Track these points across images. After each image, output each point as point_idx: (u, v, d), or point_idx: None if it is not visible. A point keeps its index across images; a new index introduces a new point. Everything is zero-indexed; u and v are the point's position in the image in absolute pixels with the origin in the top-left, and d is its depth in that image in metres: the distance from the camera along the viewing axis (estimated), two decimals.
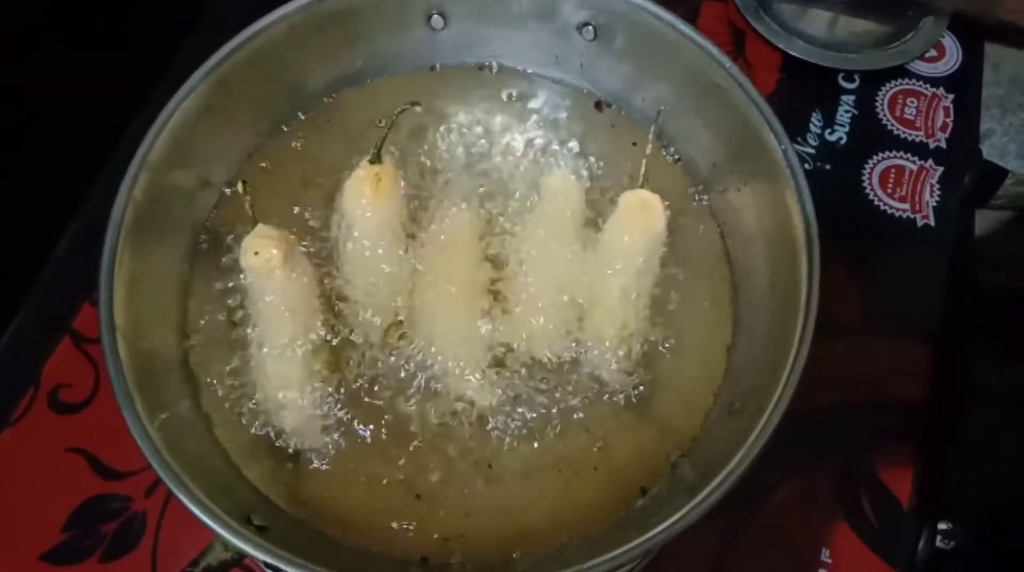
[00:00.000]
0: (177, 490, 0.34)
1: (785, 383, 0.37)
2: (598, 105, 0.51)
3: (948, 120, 0.64)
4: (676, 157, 0.50)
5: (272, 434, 0.42)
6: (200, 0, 0.67)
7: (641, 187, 0.44)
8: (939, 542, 0.52)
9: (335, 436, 0.43)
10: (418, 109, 0.45)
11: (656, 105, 0.47)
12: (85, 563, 0.48)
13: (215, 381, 0.43)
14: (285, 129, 0.50)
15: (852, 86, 0.65)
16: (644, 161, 0.43)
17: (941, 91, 0.65)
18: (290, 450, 0.42)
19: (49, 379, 0.53)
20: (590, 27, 0.49)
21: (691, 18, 0.46)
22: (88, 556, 0.48)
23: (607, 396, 0.44)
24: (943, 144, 0.63)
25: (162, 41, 0.64)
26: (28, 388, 0.52)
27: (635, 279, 0.45)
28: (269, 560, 0.32)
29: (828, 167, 0.61)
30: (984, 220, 0.70)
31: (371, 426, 0.43)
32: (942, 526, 0.52)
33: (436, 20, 0.50)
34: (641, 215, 0.44)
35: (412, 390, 0.44)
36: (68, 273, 0.58)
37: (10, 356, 0.55)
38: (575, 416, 0.44)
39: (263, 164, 0.49)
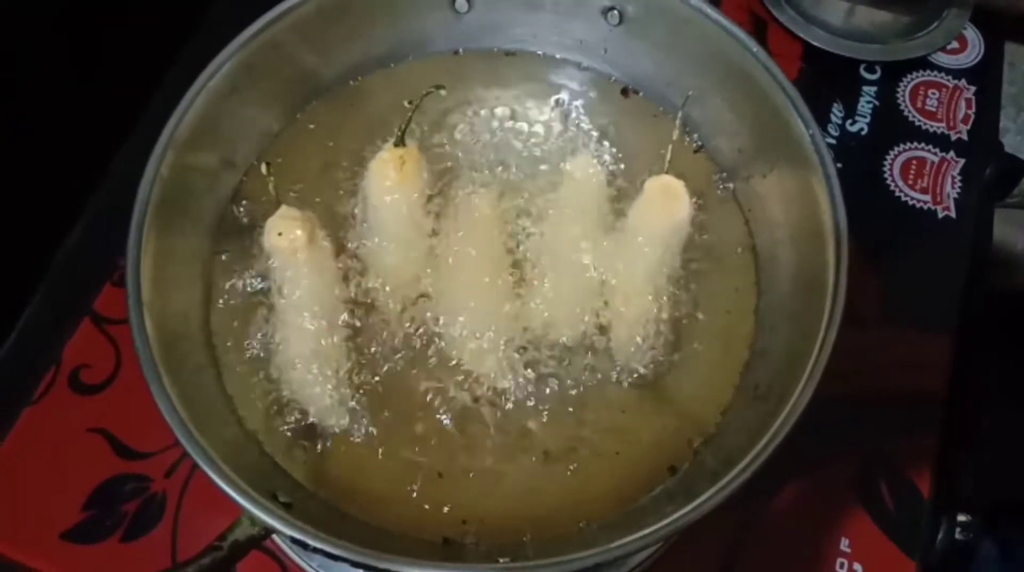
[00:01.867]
0: (205, 465, 0.34)
1: (812, 367, 0.37)
2: (624, 91, 0.51)
3: (970, 112, 0.64)
4: (700, 143, 0.49)
5: (294, 413, 0.42)
6: None
7: (666, 173, 0.44)
8: (958, 534, 0.52)
9: (356, 416, 0.43)
10: (443, 92, 0.45)
11: (681, 90, 0.47)
12: (105, 542, 0.48)
13: (238, 360, 0.43)
14: (309, 112, 0.50)
15: (874, 77, 0.65)
16: (670, 147, 0.43)
17: (963, 83, 0.65)
18: (312, 429, 0.42)
19: (70, 359, 0.53)
20: (615, 12, 0.48)
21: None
22: (108, 535, 0.48)
23: (629, 380, 0.44)
24: (964, 136, 0.63)
25: (177, 24, 0.64)
26: (49, 368, 0.53)
27: (659, 264, 0.44)
28: (298, 536, 0.33)
29: (849, 157, 0.61)
30: (1000, 221, 0.69)
31: (392, 406, 0.43)
32: (961, 518, 0.52)
33: (460, 3, 0.50)
34: (666, 201, 0.44)
35: (433, 372, 0.44)
36: (88, 254, 0.58)
37: (31, 336, 0.55)
38: (597, 399, 0.44)
39: (287, 147, 0.49)
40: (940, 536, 0.51)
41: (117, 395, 0.52)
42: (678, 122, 0.44)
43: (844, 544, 0.49)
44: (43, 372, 0.53)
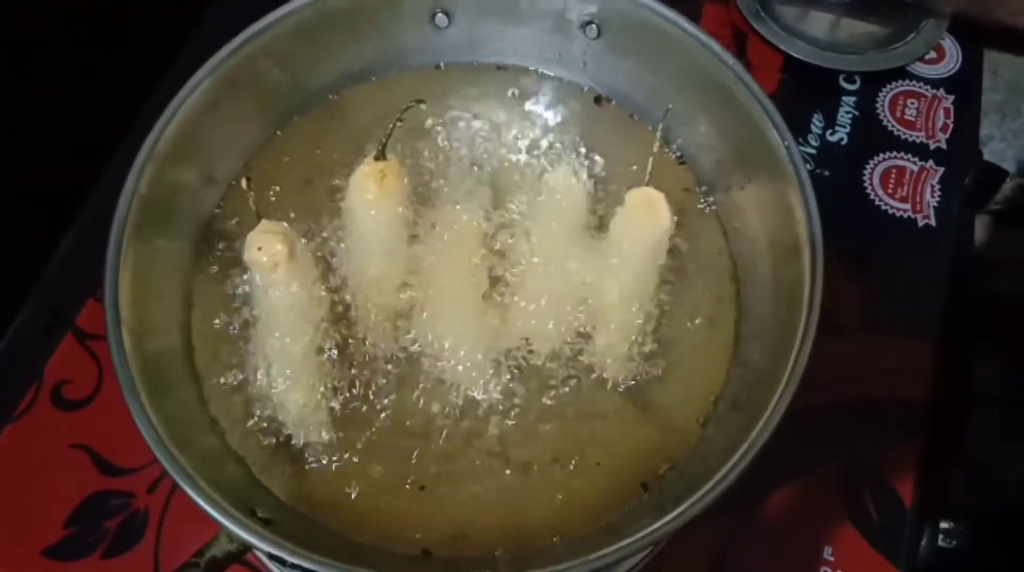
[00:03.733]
0: (183, 482, 0.34)
1: (788, 377, 0.37)
2: (598, 100, 0.51)
3: (948, 121, 0.64)
4: (679, 155, 0.50)
5: (274, 428, 0.42)
6: None
7: (646, 185, 0.44)
8: (941, 541, 0.52)
9: (337, 430, 0.43)
10: (423, 106, 0.46)
11: (659, 103, 0.48)
12: (87, 559, 0.48)
13: (218, 375, 0.43)
14: (290, 126, 0.50)
15: (853, 87, 0.65)
16: (651, 159, 0.43)
17: (941, 92, 0.65)
18: (293, 444, 0.42)
19: (52, 375, 0.53)
20: (593, 25, 0.49)
21: (693, 20, 0.46)
22: (90, 552, 0.48)
23: (610, 392, 0.44)
24: (944, 145, 0.63)
25: (166, 37, 0.64)
26: (31, 384, 0.53)
27: (639, 276, 0.45)
28: (274, 552, 0.32)
29: (829, 167, 0.62)
30: (983, 224, 0.70)
31: (373, 420, 0.43)
32: (944, 525, 0.52)
33: (440, 18, 0.50)
34: (647, 213, 0.44)
35: (415, 385, 0.44)
36: (71, 270, 0.58)
37: (13, 352, 0.55)
38: (578, 411, 0.44)
39: (268, 161, 0.49)
40: (923, 543, 0.51)
41: (99, 411, 0.52)
42: (659, 135, 0.44)
43: (828, 553, 0.49)
44: (25, 388, 0.52)
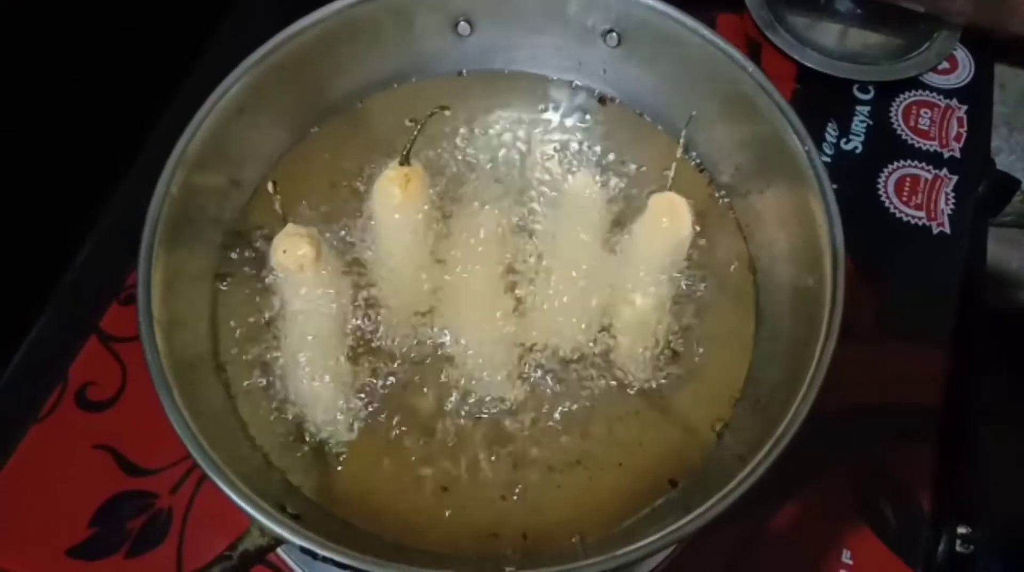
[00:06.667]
0: (215, 476, 0.35)
1: (811, 378, 0.38)
2: (602, 100, 0.52)
3: (962, 130, 0.65)
4: (699, 160, 0.50)
5: (302, 428, 0.43)
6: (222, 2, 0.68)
7: (668, 190, 0.45)
8: (958, 546, 0.52)
9: (363, 430, 0.43)
10: (447, 113, 0.46)
11: (679, 109, 0.48)
12: (111, 558, 0.48)
13: (246, 376, 0.44)
14: (315, 132, 0.51)
15: (867, 97, 0.66)
16: (673, 165, 0.44)
17: (954, 102, 0.66)
18: (318, 442, 0.43)
19: (76, 377, 0.54)
20: (614, 34, 0.50)
21: None
22: (114, 552, 0.49)
23: (631, 394, 0.44)
24: (957, 154, 0.64)
25: (183, 47, 0.65)
26: (55, 386, 0.53)
27: (661, 280, 0.45)
28: (307, 545, 0.33)
29: (844, 174, 0.62)
30: (994, 240, 0.70)
31: (398, 421, 0.44)
32: (961, 530, 0.52)
33: (463, 27, 0.51)
34: (669, 217, 0.44)
35: (438, 386, 0.44)
36: (95, 273, 0.59)
37: (38, 354, 0.56)
38: (599, 413, 0.44)
39: (293, 166, 0.50)
40: (940, 548, 0.52)
41: (123, 412, 0.52)
42: (682, 140, 0.45)
43: (846, 556, 0.50)
44: (50, 389, 0.53)
